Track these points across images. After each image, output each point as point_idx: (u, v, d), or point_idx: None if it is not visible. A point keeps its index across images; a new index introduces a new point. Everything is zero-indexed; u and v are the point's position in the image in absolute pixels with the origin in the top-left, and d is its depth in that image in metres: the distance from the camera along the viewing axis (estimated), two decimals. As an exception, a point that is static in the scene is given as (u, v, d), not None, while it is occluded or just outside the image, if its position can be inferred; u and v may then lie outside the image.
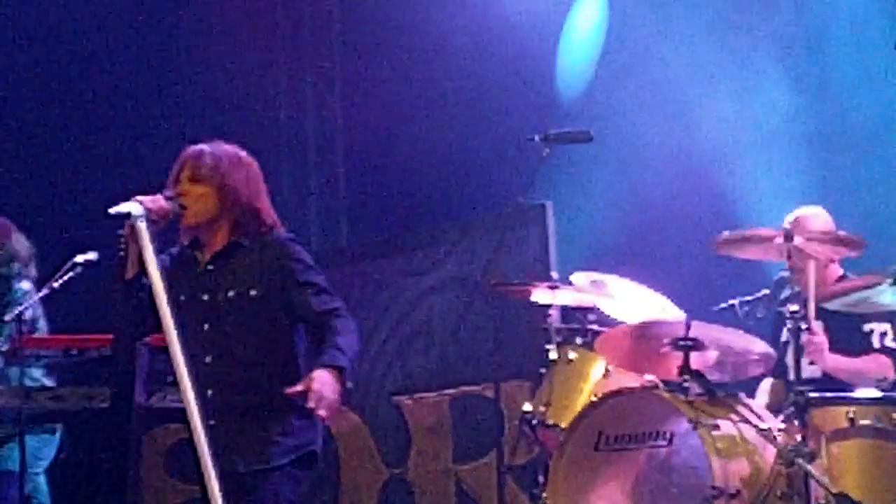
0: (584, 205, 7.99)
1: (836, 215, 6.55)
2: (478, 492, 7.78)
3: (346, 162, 9.96)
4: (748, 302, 6.71)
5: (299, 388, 4.80)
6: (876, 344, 6.47)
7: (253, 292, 5.05)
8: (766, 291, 6.76)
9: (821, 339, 6.19)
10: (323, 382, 4.76)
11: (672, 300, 6.62)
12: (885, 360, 6.44)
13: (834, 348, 6.38)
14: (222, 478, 4.25)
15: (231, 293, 5.07)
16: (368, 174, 9.04)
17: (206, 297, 5.09)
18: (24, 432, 6.38)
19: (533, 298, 6.78)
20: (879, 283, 5.83)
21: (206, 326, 5.05)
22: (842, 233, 6.26)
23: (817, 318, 6.14)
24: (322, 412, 4.76)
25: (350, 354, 4.90)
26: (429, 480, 7.98)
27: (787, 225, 6.37)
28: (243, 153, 5.22)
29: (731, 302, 6.77)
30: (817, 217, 6.58)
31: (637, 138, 8.12)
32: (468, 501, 7.83)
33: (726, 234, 6.18)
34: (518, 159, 7.19)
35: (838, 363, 6.36)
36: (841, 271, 6.62)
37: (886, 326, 6.48)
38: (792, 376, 6.01)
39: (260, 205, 5.18)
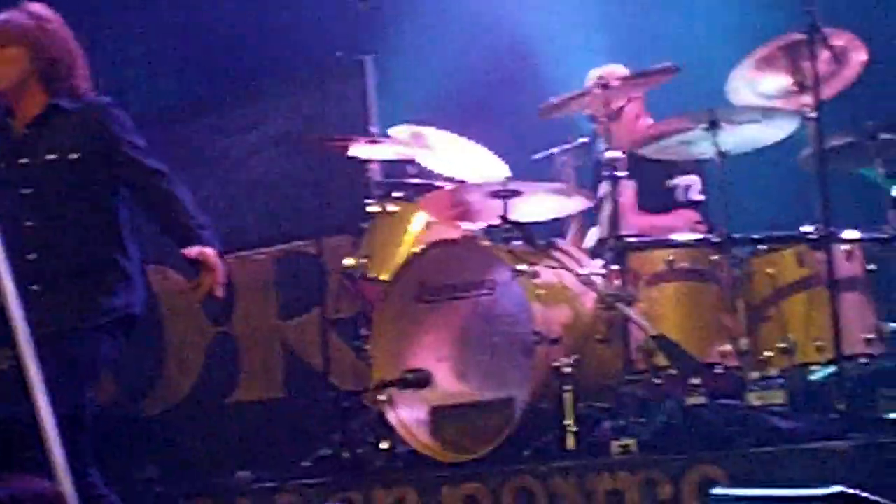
0: (405, 61, 7.92)
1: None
2: (303, 347, 7.79)
3: (168, 20, 9.64)
4: (566, 151, 6.76)
5: (194, 253, 4.96)
6: (680, 198, 6.61)
7: (73, 155, 5.01)
8: (585, 140, 6.82)
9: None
10: (218, 267, 4.97)
11: (492, 151, 6.65)
12: (689, 214, 6.60)
13: (641, 205, 6.53)
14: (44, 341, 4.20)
15: (50, 157, 5.01)
16: (187, 32, 8.79)
17: (24, 162, 5.02)
18: None
19: (353, 153, 6.76)
20: (691, 128, 5.94)
21: (25, 191, 5.00)
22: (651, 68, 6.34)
23: (629, 172, 6.23)
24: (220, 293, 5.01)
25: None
26: (254, 338, 7.96)
27: (595, 78, 6.47)
28: (51, 12, 5.12)
29: (550, 151, 6.81)
30: (622, 69, 6.69)
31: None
32: (293, 357, 7.84)
33: (552, 100, 6.28)
34: (337, 15, 7.09)
35: (643, 223, 6.49)
36: (651, 121, 6.73)
37: (694, 178, 6.62)
38: (607, 230, 6.13)
39: (73, 63, 5.09)
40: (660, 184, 6.61)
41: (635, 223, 6.45)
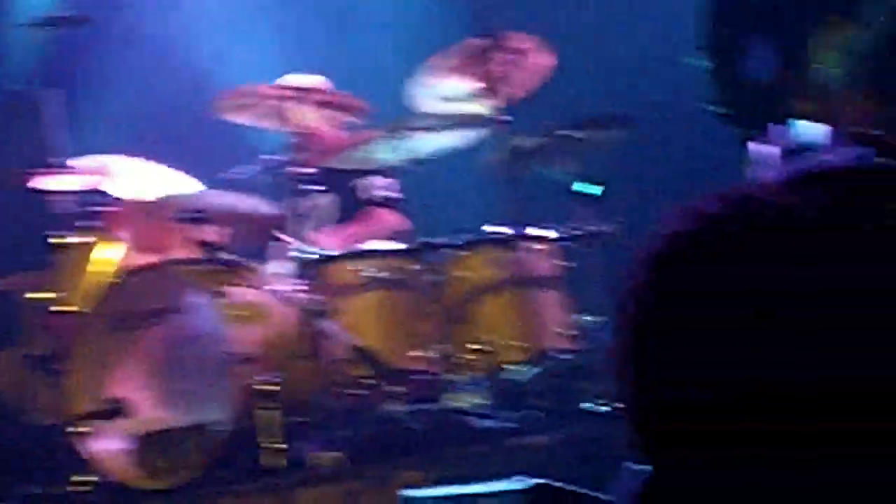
0: (93, 91, 7.72)
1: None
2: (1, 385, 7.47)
3: None
4: (264, 165, 6.68)
5: None
6: (376, 200, 6.60)
7: None
8: (274, 157, 6.75)
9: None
10: None
11: (185, 172, 6.53)
12: (386, 215, 6.58)
13: (340, 217, 6.50)
14: None
15: None
16: None
17: None
18: None
19: (36, 185, 6.53)
20: (381, 137, 5.94)
21: None
22: (341, 95, 6.31)
23: (325, 184, 6.19)
24: None
25: None
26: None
27: (285, 89, 6.39)
28: None
29: (239, 169, 6.71)
30: (313, 82, 6.61)
31: (134, 17, 7.91)
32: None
33: (227, 94, 6.18)
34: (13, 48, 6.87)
35: (341, 234, 6.46)
36: (344, 133, 6.70)
37: (389, 181, 6.63)
38: (305, 244, 6.07)
39: None
40: (355, 194, 6.58)
41: (334, 235, 6.40)
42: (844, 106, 2.85)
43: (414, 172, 5.94)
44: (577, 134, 6.26)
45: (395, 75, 6.46)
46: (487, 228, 5.99)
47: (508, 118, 5.97)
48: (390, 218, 6.59)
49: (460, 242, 6.01)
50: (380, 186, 6.58)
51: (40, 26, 6.29)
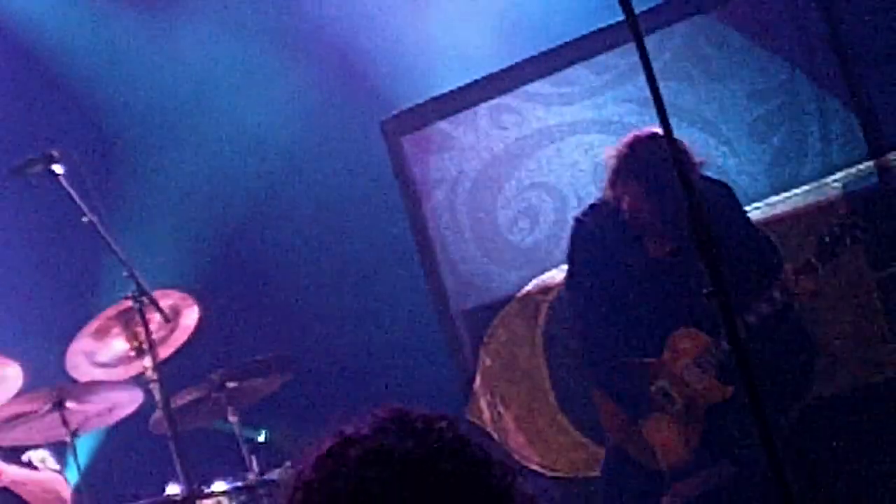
0: None
1: None
2: None
3: None
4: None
5: None
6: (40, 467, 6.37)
7: None
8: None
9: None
10: None
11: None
12: (56, 476, 6.35)
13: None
14: None
15: None
16: None
17: None
18: None
19: None
20: (38, 410, 5.76)
21: None
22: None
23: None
24: None
25: None
26: None
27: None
28: None
29: None
30: None
31: None
32: None
33: None
34: None
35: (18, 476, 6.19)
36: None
37: (44, 452, 6.40)
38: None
39: None
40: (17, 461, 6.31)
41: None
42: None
43: (74, 444, 5.74)
44: (238, 382, 6.25)
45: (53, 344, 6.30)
46: (168, 489, 5.84)
47: (161, 377, 5.88)
48: (59, 478, 6.33)
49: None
50: (39, 459, 6.33)
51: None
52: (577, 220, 5.78)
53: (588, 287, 5.68)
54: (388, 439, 2.07)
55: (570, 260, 5.80)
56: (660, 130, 5.18)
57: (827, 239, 5.30)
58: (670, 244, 5.47)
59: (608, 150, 5.64)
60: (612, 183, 5.55)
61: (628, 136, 5.55)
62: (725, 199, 5.59)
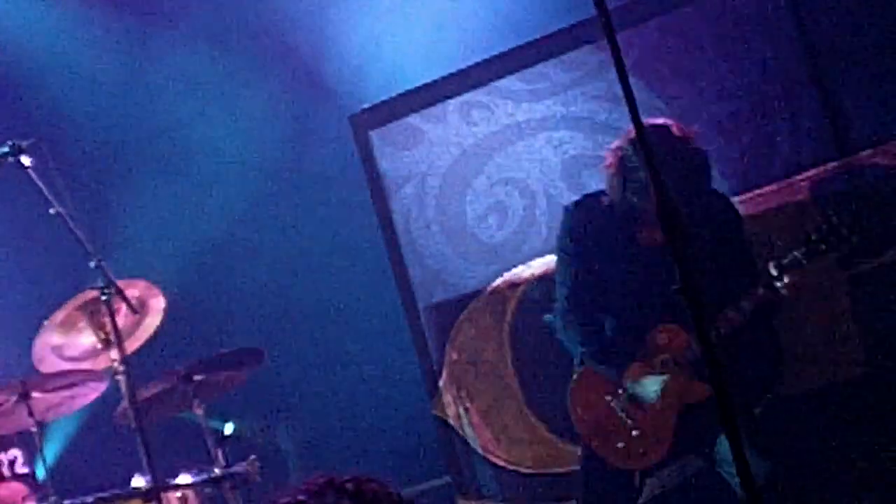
0: None
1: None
2: None
3: None
4: None
5: None
6: (6, 472, 6.37)
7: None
8: None
9: None
10: None
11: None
12: (17, 487, 6.34)
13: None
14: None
15: None
16: None
17: None
18: None
19: None
20: (4, 401, 5.73)
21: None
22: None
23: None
24: None
25: None
26: None
27: None
28: None
29: None
30: None
31: None
32: None
33: None
34: None
35: None
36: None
37: (16, 452, 6.40)
38: None
39: None
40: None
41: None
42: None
43: (41, 434, 5.73)
44: (205, 374, 6.24)
45: (17, 333, 6.29)
46: (134, 481, 5.82)
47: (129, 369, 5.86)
48: (20, 487, 6.33)
49: (97, 500, 5.81)
50: (10, 456, 6.34)
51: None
52: (567, 209, 5.77)
53: (574, 276, 5.67)
54: (327, 501, 2.34)
55: (560, 248, 5.79)
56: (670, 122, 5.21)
57: (814, 237, 5.31)
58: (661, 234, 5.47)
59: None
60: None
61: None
62: (724, 211, 5.60)
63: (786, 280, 5.26)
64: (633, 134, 5.48)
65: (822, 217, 5.49)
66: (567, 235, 5.72)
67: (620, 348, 5.57)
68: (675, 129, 5.42)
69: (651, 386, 5.47)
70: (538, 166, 6.82)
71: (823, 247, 5.29)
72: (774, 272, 5.29)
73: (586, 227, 5.66)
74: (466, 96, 6.95)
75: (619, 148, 5.53)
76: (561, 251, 5.77)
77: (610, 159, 5.56)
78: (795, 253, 5.30)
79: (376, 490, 2.37)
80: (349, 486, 2.34)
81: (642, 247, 5.56)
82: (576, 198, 5.86)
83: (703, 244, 5.20)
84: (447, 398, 6.93)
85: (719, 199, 5.65)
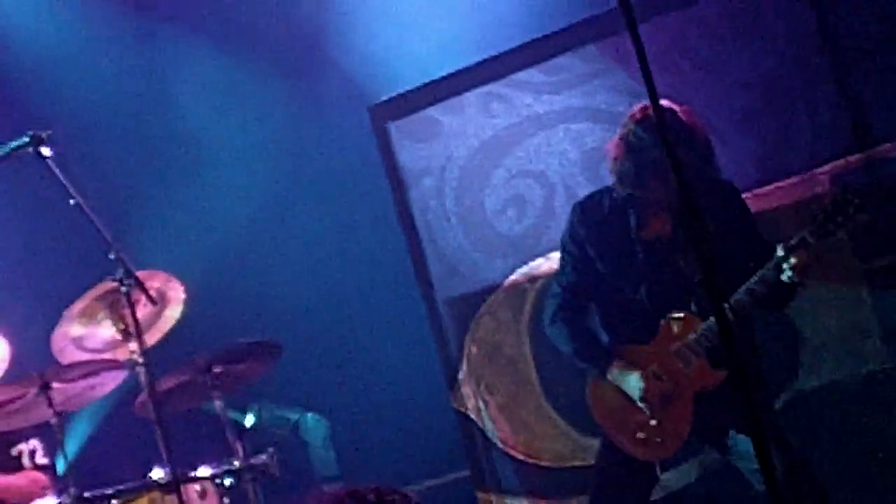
0: None
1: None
2: None
3: None
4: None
5: None
6: (27, 463, 6.38)
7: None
8: None
9: None
10: None
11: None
12: (36, 476, 6.36)
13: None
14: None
15: None
16: None
17: None
18: None
19: None
20: (23, 394, 5.76)
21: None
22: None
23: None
24: None
25: None
26: None
27: None
28: None
29: None
30: None
31: None
32: None
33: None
34: None
35: None
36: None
37: (35, 443, 6.41)
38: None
39: None
40: (5, 452, 6.33)
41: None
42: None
43: (61, 425, 5.75)
44: (224, 366, 6.24)
45: (37, 323, 6.30)
46: (153, 473, 5.83)
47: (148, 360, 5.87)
48: (41, 477, 6.34)
49: (119, 492, 5.84)
50: (30, 447, 6.35)
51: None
52: (573, 209, 5.78)
53: (570, 278, 5.70)
54: None
55: (561, 248, 5.80)
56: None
57: (821, 216, 5.28)
58: (671, 222, 5.48)
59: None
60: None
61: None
62: (732, 198, 5.59)
63: (793, 261, 5.24)
64: (637, 116, 5.53)
65: (829, 197, 5.47)
66: (568, 237, 5.74)
67: (603, 347, 5.60)
68: (681, 114, 5.42)
69: (633, 381, 5.50)
70: (557, 159, 6.82)
71: (831, 226, 5.27)
72: (781, 253, 5.27)
73: (587, 228, 5.67)
74: (486, 88, 6.95)
75: (621, 136, 5.53)
76: (562, 251, 5.79)
77: (614, 150, 5.56)
78: (803, 232, 5.28)
79: (398, 501, 2.42)
80: (371, 496, 2.41)
81: (647, 240, 5.57)
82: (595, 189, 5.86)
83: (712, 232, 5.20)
84: (466, 391, 6.94)
85: (725, 186, 5.63)
